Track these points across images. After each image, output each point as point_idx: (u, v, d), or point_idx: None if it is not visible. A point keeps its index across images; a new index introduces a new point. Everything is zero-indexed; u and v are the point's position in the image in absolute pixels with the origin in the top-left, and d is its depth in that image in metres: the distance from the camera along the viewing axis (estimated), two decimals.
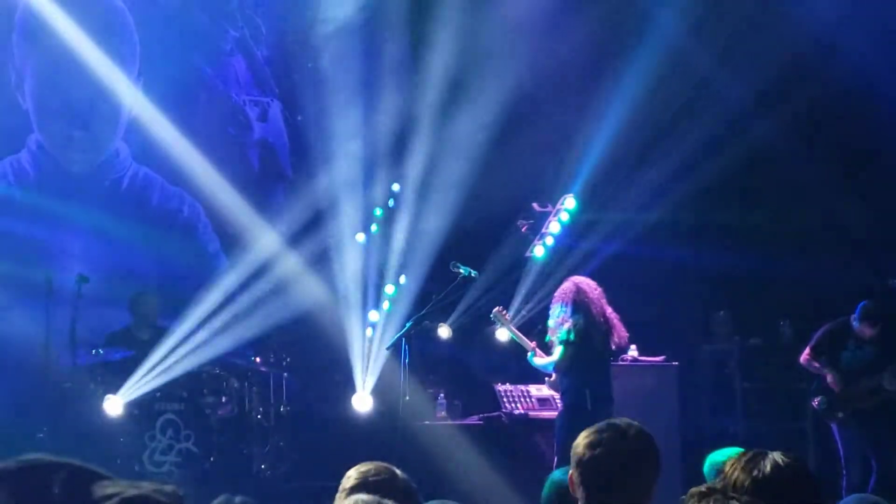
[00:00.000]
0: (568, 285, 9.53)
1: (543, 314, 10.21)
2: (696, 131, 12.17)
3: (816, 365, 10.27)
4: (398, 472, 3.73)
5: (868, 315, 10.10)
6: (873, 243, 12.37)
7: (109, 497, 1.88)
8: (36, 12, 11.98)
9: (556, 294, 9.61)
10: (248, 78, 13.54)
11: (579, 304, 9.37)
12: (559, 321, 9.43)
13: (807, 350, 10.38)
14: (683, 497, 2.97)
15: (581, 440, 3.53)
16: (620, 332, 9.51)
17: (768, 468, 3.33)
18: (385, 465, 3.77)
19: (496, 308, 10.26)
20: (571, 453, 3.56)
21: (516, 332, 10.12)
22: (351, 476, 3.68)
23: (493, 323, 10.27)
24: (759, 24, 12.18)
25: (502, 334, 10.32)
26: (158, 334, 11.12)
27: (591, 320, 9.37)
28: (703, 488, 2.95)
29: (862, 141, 12.57)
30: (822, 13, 11.73)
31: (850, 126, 12.48)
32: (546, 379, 10.06)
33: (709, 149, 12.12)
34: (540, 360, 9.72)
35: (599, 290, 9.50)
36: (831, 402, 10.17)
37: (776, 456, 3.37)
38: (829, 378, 10.14)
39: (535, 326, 10.50)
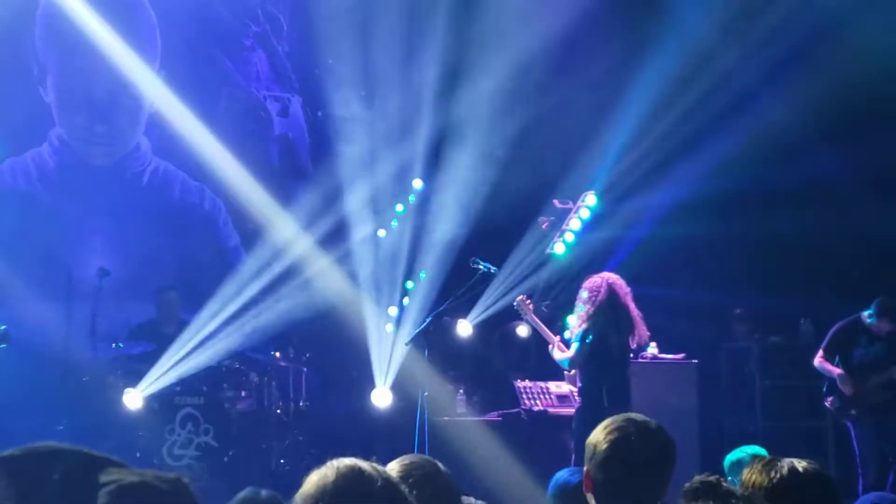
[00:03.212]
0: (597, 281, 9.38)
1: (564, 311, 10.17)
2: (716, 125, 12.11)
3: (828, 367, 10.21)
4: (441, 466, 3.58)
5: (886, 310, 10.02)
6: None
7: (109, 483, 1.87)
8: (58, 6, 12.03)
9: (584, 285, 9.45)
10: (268, 73, 13.56)
11: (604, 302, 9.27)
12: (580, 319, 9.35)
13: (819, 352, 10.34)
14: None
15: (600, 434, 3.42)
16: (642, 330, 9.40)
17: (786, 471, 3.28)
18: (428, 457, 3.62)
19: (519, 297, 10.14)
20: (587, 447, 3.45)
21: (539, 322, 9.96)
22: (393, 468, 3.39)
23: (514, 318, 10.21)
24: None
25: (523, 330, 10.27)
26: (182, 329, 11.18)
27: (612, 320, 9.27)
28: (696, 484, 2.87)
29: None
30: None
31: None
32: (566, 373, 10.02)
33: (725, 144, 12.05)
34: (559, 355, 9.58)
35: (627, 288, 9.39)
36: (844, 400, 10.11)
37: (794, 461, 3.33)
38: (839, 381, 10.07)
39: (555, 322, 10.47)
